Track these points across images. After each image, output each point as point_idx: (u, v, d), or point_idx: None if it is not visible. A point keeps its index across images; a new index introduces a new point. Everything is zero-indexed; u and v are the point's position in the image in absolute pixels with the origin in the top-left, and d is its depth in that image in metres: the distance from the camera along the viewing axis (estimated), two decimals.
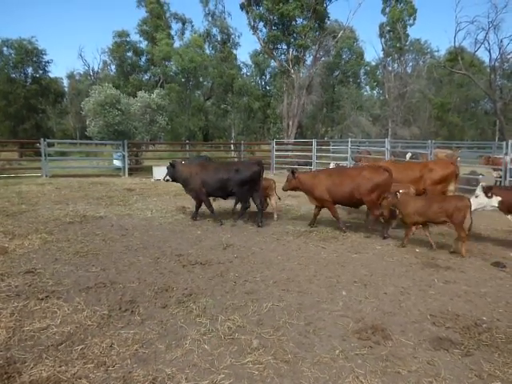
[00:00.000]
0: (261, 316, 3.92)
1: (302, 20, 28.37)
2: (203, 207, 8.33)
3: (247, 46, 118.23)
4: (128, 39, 40.81)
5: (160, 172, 13.42)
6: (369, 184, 7.06)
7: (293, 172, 7.91)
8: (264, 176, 8.30)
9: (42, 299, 4.18)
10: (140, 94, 20.94)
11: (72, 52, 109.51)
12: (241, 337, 3.50)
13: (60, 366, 3.02)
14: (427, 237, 6.50)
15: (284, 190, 8.16)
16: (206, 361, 3.14)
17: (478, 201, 6.51)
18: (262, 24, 29.30)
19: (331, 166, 17.52)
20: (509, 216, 6.64)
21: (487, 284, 4.91)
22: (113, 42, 41.34)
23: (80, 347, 3.28)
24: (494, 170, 12.85)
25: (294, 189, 8.05)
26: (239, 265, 5.48)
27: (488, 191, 6.50)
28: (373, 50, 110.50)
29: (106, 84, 20.33)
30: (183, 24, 42.64)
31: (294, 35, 28.59)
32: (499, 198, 6.48)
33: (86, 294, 4.38)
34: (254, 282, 4.83)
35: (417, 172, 8.09)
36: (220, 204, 9.67)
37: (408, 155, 15.49)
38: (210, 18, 39.79)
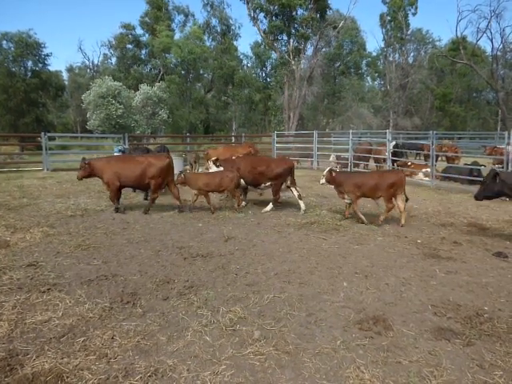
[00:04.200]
0: (262, 307, 3.93)
1: (302, 10, 28.13)
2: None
3: (248, 37, 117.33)
4: (133, 32, 40.52)
5: None
6: (154, 169, 8.04)
7: (84, 159, 8.19)
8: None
9: (44, 292, 4.19)
10: (142, 86, 20.86)
11: (71, 45, 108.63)
12: (242, 328, 3.51)
13: (62, 358, 3.03)
14: (209, 204, 8.23)
15: (78, 178, 8.32)
16: (208, 352, 3.15)
17: None
18: (262, 15, 29.07)
19: (332, 157, 17.40)
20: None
21: (489, 274, 4.90)
22: (118, 33, 40.98)
23: (82, 339, 3.29)
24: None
25: (89, 176, 8.26)
26: (240, 257, 5.48)
27: (215, 163, 8.78)
28: (374, 41, 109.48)
29: (107, 77, 20.26)
30: (186, 16, 42.22)
31: (295, 26, 28.35)
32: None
33: (87, 286, 4.39)
34: (255, 274, 4.83)
35: (229, 153, 10.81)
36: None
37: (392, 144, 15.32)
38: (208, 9, 39.41)
